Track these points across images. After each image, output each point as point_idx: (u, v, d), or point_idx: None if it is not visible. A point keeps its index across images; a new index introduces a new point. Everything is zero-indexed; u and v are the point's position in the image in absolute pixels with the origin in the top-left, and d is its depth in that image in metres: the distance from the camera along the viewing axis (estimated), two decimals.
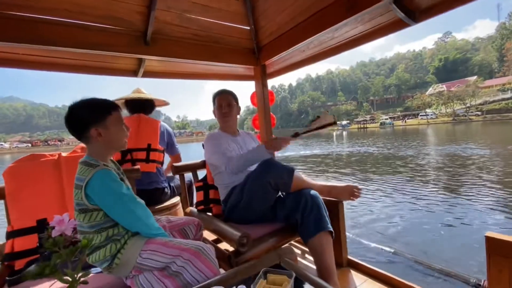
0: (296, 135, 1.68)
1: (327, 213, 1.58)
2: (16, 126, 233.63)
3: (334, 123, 1.62)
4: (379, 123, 73.70)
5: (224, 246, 1.76)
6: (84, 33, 1.66)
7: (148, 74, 2.26)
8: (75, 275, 0.66)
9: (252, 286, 0.84)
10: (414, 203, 5.63)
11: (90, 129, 1.11)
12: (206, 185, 2.03)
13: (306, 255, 2.00)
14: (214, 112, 2.03)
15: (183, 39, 2.01)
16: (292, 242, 2.14)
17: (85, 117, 1.11)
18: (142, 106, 2.32)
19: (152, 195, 2.18)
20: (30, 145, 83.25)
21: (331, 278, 1.45)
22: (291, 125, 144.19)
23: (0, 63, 1.75)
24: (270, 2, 2.01)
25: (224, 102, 1.96)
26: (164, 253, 1.10)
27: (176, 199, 2.32)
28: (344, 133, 52.45)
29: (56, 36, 1.58)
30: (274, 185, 1.57)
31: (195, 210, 2.00)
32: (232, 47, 2.25)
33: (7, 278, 1.26)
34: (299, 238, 1.63)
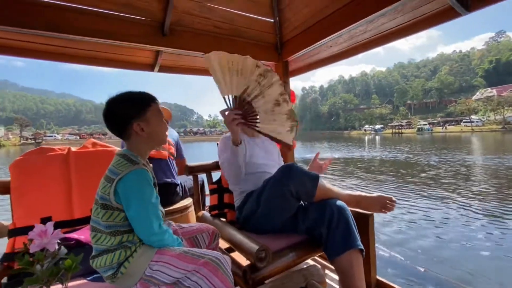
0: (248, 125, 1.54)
1: (356, 228, 1.39)
2: (67, 120, 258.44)
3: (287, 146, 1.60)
4: (416, 129, 69.74)
5: (237, 255, 1.59)
6: (102, 21, 1.58)
7: (165, 68, 2.17)
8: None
9: None
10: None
11: (132, 124, 1.02)
12: (220, 188, 1.88)
13: (327, 271, 1.81)
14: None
15: (203, 31, 1.89)
16: (317, 258, 1.96)
17: (126, 112, 1.03)
18: None
19: (163, 193, 2.08)
20: (78, 137, 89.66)
21: None
22: (320, 128, 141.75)
23: (19, 52, 1.72)
24: None
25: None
26: (178, 267, 0.96)
27: (189, 201, 2.20)
28: (377, 138, 50.52)
29: (75, 24, 1.51)
30: (295, 194, 1.40)
31: (208, 215, 1.85)
32: (254, 41, 2.11)
33: (3, 281, 1.17)
34: (323, 253, 1.45)
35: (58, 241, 0.64)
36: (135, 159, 1.02)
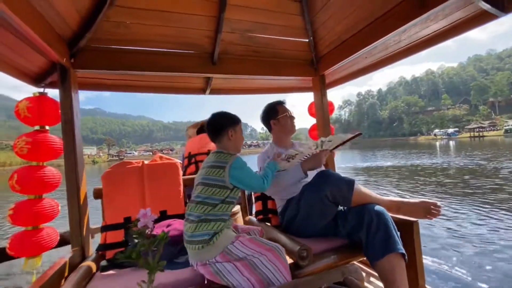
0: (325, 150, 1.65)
1: (398, 233, 1.39)
2: (142, 139, 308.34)
3: (359, 135, 1.59)
4: (503, 130, 58.91)
5: None
6: (163, 58, 1.97)
7: (215, 91, 2.50)
8: (155, 263, 0.76)
9: None
10: None
11: (228, 129, 1.44)
12: (264, 195, 2.06)
13: (372, 279, 1.81)
14: (274, 122, 1.95)
15: (246, 57, 2.16)
16: (357, 263, 1.96)
17: (225, 121, 1.46)
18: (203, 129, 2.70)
19: None
20: (151, 153, 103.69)
21: None
22: (381, 134, 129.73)
23: (105, 87, 2.24)
24: (329, 13, 1.99)
25: (290, 111, 1.94)
26: (249, 247, 1.24)
27: (236, 207, 2.43)
28: (451, 143, 43.78)
29: (147, 62, 1.92)
30: (332, 198, 1.47)
31: (255, 219, 2.04)
32: (291, 60, 2.30)
33: (102, 264, 1.54)
34: (365, 258, 1.46)
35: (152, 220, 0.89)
36: (229, 152, 1.42)
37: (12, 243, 1.61)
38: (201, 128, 2.81)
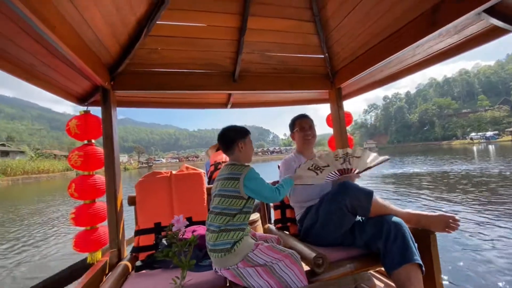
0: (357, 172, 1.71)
1: (415, 244, 1.43)
2: (169, 146, 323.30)
3: (387, 159, 1.65)
4: None
5: None
6: (189, 78, 2.17)
7: (236, 105, 2.68)
8: (187, 261, 0.91)
9: None
10: None
11: (238, 142, 1.54)
12: (283, 204, 2.15)
13: None
14: (292, 135, 2.15)
15: (264, 73, 2.31)
16: (374, 272, 1.99)
17: (234, 135, 1.56)
18: None
19: None
20: (177, 160, 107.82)
21: None
22: (410, 139, 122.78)
23: (139, 104, 2.50)
24: (343, 31, 2.08)
25: (307, 125, 2.05)
26: (268, 254, 1.35)
27: (256, 215, 2.55)
28: (490, 147, 39.69)
29: (175, 82, 2.14)
30: (351, 208, 1.53)
31: (273, 227, 2.14)
32: (308, 75, 2.41)
33: (137, 264, 1.73)
34: (382, 268, 1.50)
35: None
36: (242, 164, 1.51)
37: (77, 242, 1.88)
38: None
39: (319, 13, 1.97)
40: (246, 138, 1.59)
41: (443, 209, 6.69)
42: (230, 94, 2.52)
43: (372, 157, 1.65)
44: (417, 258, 1.37)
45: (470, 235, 4.74)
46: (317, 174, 1.68)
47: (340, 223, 1.59)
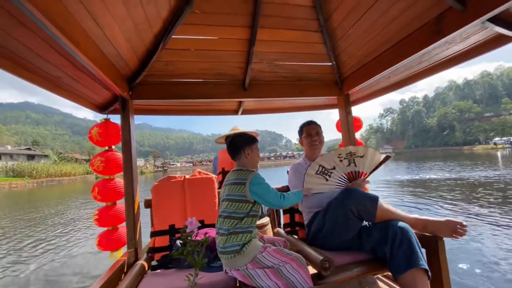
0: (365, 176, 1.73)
1: (421, 250, 1.44)
2: (183, 151, 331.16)
3: (388, 158, 1.64)
4: None
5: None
6: (202, 87, 2.29)
7: (246, 112, 2.78)
8: (199, 259, 0.99)
9: None
10: None
11: (245, 149, 1.62)
12: (291, 209, 2.20)
13: None
14: (301, 141, 2.20)
15: (273, 81, 2.39)
16: (381, 277, 2.00)
17: (241, 142, 1.65)
18: None
19: None
20: (191, 164, 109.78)
21: None
22: (429, 144, 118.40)
23: (155, 112, 2.65)
24: (349, 40, 2.13)
25: (313, 131, 2.08)
26: (275, 257, 1.41)
27: (266, 219, 2.61)
28: None
29: (186, 92, 2.26)
30: (357, 213, 1.55)
31: (282, 231, 2.19)
32: (316, 82, 2.47)
33: (153, 263, 1.83)
34: (389, 273, 1.53)
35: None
36: (248, 169, 1.57)
37: (100, 241, 2.03)
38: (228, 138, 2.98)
39: (325, 23, 2.03)
40: (252, 145, 1.66)
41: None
42: (240, 102, 2.62)
43: (376, 156, 1.67)
44: (423, 263, 1.38)
45: None
46: (326, 180, 1.71)
47: (346, 228, 1.62)
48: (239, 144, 1.64)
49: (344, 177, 1.72)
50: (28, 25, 1.15)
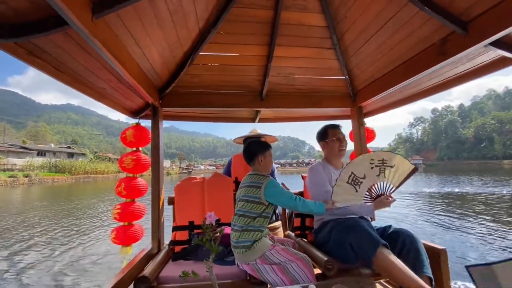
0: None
1: (428, 260, 1.51)
2: (207, 154, 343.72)
3: (415, 170, 1.60)
4: None
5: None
6: (224, 97, 2.52)
7: (263, 120, 2.99)
8: (216, 246, 1.16)
9: None
10: None
11: (258, 156, 1.77)
12: (303, 213, 2.31)
13: None
14: (324, 144, 2.05)
15: (289, 93, 2.57)
16: (383, 282, 2.06)
17: (255, 149, 1.79)
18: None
19: None
20: (215, 167, 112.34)
21: None
22: (464, 156, 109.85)
23: (181, 118, 2.94)
24: (361, 57, 2.25)
25: (342, 136, 2.01)
26: (283, 255, 1.55)
27: (278, 223, 2.74)
28: None
29: (209, 101, 2.50)
30: (356, 248, 1.53)
31: (293, 234, 2.32)
32: (330, 94, 2.61)
33: (172, 255, 2.06)
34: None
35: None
36: (263, 174, 1.71)
37: (117, 235, 2.24)
38: (246, 139, 2.94)
39: (338, 42, 2.18)
40: (265, 152, 1.79)
41: None
42: (258, 111, 2.83)
43: (405, 166, 1.61)
44: (428, 271, 1.45)
45: None
46: (356, 190, 1.67)
47: (345, 257, 1.62)
48: (253, 151, 1.79)
49: (374, 189, 1.71)
50: (87, 49, 1.44)
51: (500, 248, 5.39)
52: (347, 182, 1.69)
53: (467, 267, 0.70)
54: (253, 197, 1.64)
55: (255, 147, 1.80)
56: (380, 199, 1.69)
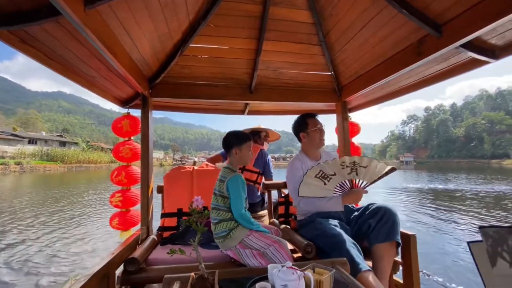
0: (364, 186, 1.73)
1: (399, 229, 1.67)
2: (201, 146, 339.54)
3: (393, 170, 1.65)
4: None
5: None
6: (213, 89, 2.59)
7: (252, 112, 3.08)
8: (202, 226, 1.23)
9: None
10: None
11: (234, 148, 1.72)
12: (287, 201, 2.45)
13: None
14: (303, 135, 2.03)
15: (277, 87, 2.64)
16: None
17: (232, 140, 1.75)
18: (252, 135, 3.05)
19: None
20: None
21: (382, 279, 1.53)
22: (454, 155, 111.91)
23: (170, 109, 3.00)
24: (346, 54, 2.33)
25: (321, 126, 1.98)
26: (260, 240, 1.62)
27: (264, 211, 2.85)
28: None
29: (199, 92, 2.56)
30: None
31: (277, 222, 2.43)
32: (316, 89, 2.70)
33: (161, 240, 2.15)
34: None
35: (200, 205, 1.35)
36: (233, 169, 1.71)
37: (114, 220, 2.34)
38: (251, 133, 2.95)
39: (324, 38, 2.25)
40: (242, 145, 1.72)
41: None
42: (247, 103, 2.90)
43: (379, 167, 1.64)
44: (398, 238, 1.64)
45: None
46: (324, 184, 1.71)
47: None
48: (229, 142, 1.75)
49: (344, 184, 1.73)
50: (79, 39, 1.49)
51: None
52: (315, 176, 1.73)
53: (468, 242, 0.79)
54: (220, 191, 1.67)
55: (231, 139, 1.76)
56: (351, 191, 1.73)
